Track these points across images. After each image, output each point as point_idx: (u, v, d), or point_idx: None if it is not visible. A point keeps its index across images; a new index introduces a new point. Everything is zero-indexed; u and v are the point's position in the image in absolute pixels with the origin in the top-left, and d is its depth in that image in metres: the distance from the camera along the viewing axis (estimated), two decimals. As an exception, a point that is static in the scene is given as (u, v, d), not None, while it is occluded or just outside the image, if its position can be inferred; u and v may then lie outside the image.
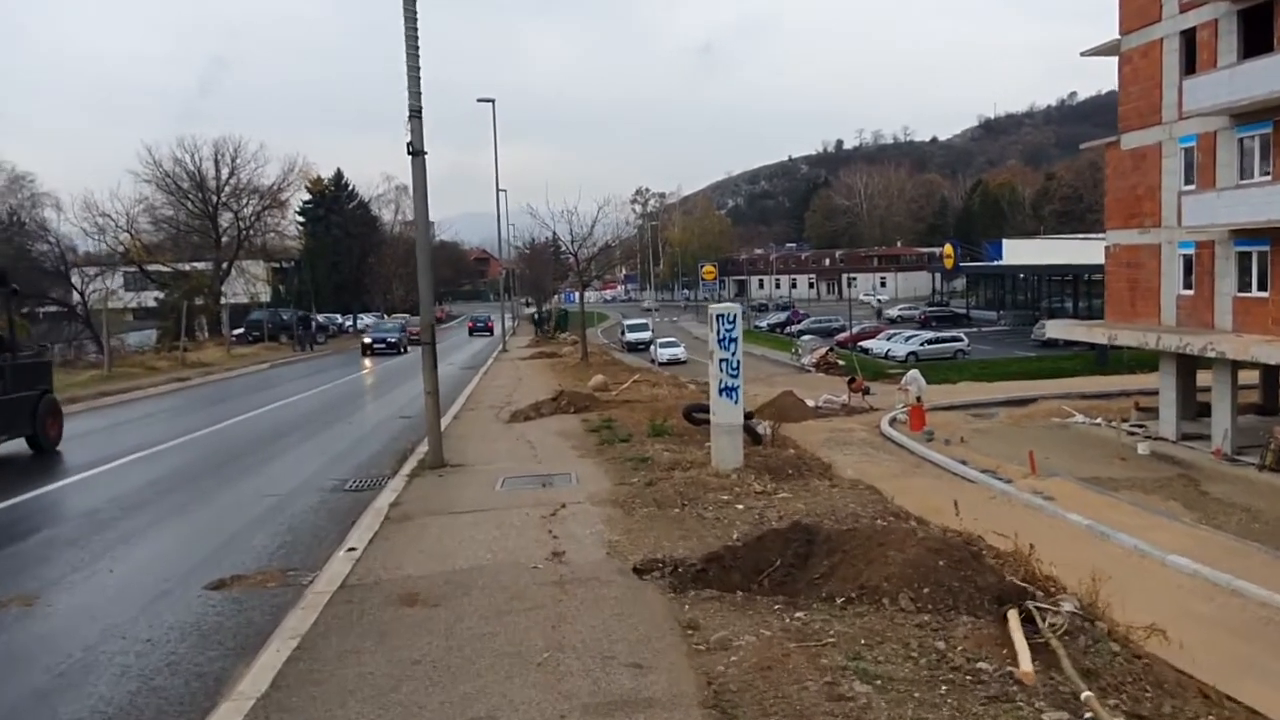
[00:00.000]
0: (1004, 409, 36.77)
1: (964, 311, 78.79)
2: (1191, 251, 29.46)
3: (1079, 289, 68.30)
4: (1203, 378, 30.05)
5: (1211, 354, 27.34)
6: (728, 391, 9.68)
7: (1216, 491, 24.63)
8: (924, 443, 29.50)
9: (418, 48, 10.43)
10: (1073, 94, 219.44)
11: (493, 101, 42.81)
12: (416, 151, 10.46)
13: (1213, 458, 27.73)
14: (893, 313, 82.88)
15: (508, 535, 7.66)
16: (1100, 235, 77.47)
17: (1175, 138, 29.88)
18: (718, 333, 9.60)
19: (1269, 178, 26.03)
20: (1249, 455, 26.46)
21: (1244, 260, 27.50)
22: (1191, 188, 28.83)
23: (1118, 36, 32.08)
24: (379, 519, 8.61)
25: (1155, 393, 37.84)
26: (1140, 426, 31.57)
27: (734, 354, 9.68)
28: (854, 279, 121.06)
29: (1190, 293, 29.74)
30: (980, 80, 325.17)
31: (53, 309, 50.20)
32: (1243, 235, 26.92)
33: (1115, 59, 32.58)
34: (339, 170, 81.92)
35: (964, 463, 26.09)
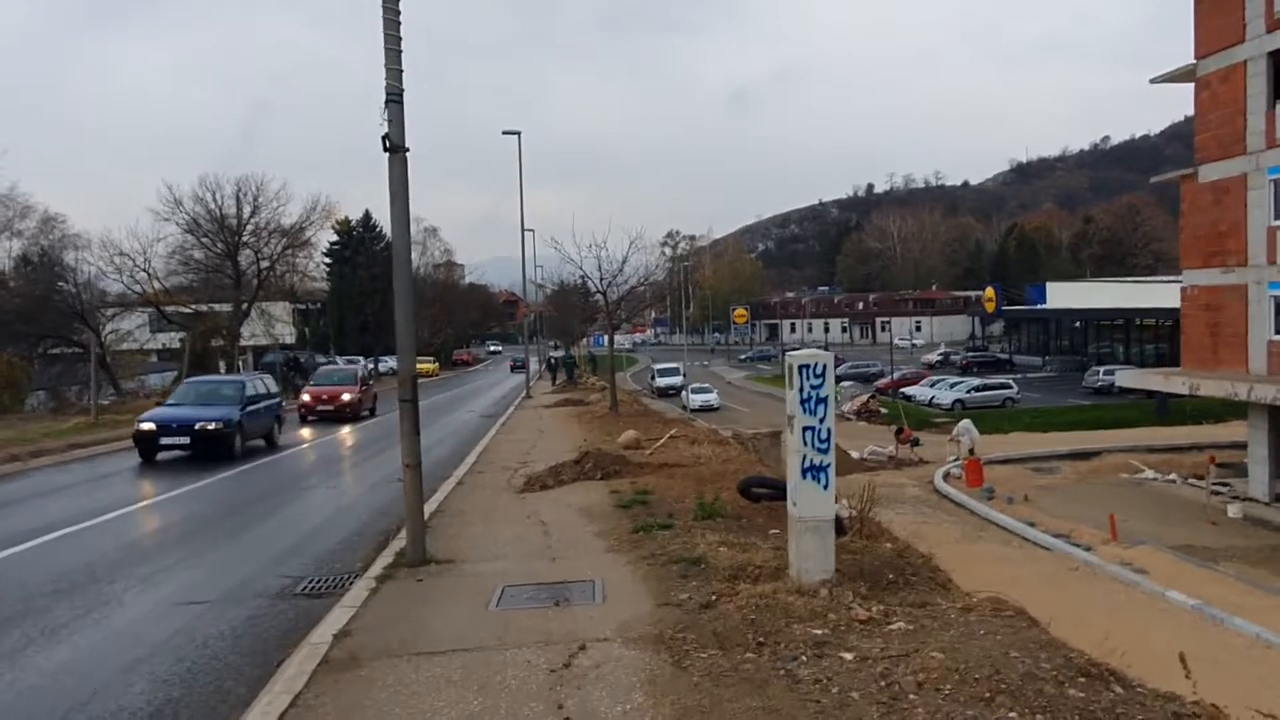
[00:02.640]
0: (1066, 463, 34.17)
1: (1006, 357, 76.32)
2: (1285, 293, 26.52)
3: (1130, 334, 65.45)
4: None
5: (1315, 404, 24.22)
6: (815, 472, 6.92)
7: (1342, 568, 21.68)
8: (984, 501, 27.03)
9: (398, 14, 7.89)
10: (1105, 138, 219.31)
11: (519, 134, 40.73)
12: (395, 147, 7.85)
13: (1322, 524, 24.75)
14: (932, 358, 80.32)
15: (493, 714, 4.85)
16: (1151, 279, 75.07)
17: (1263, 168, 27.03)
18: (801, 391, 6.85)
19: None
20: (1369, 525, 23.52)
21: (1347, 303, 24.59)
22: (1281, 223, 25.99)
23: (1192, 61, 29.44)
24: (313, 662, 5.85)
25: (1228, 446, 35.16)
26: (1224, 485, 28.47)
27: (824, 420, 6.93)
28: (888, 323, 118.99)
29: (1283, 338, 26.73)
30: (1011, 124, 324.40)
31: (68, 350, 48.66)
32: (1347, 276, 24.01)
33: (1183, 87, 29.97)
34: (367, 211, 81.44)
35: (1033, 525, 23.60)
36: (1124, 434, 40.58)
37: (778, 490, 10.87)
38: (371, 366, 74.33)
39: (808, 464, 6.97)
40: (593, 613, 6.70)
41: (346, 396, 29.82)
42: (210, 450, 18.90)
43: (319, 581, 8.80)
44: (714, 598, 6.76)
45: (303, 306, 73.53)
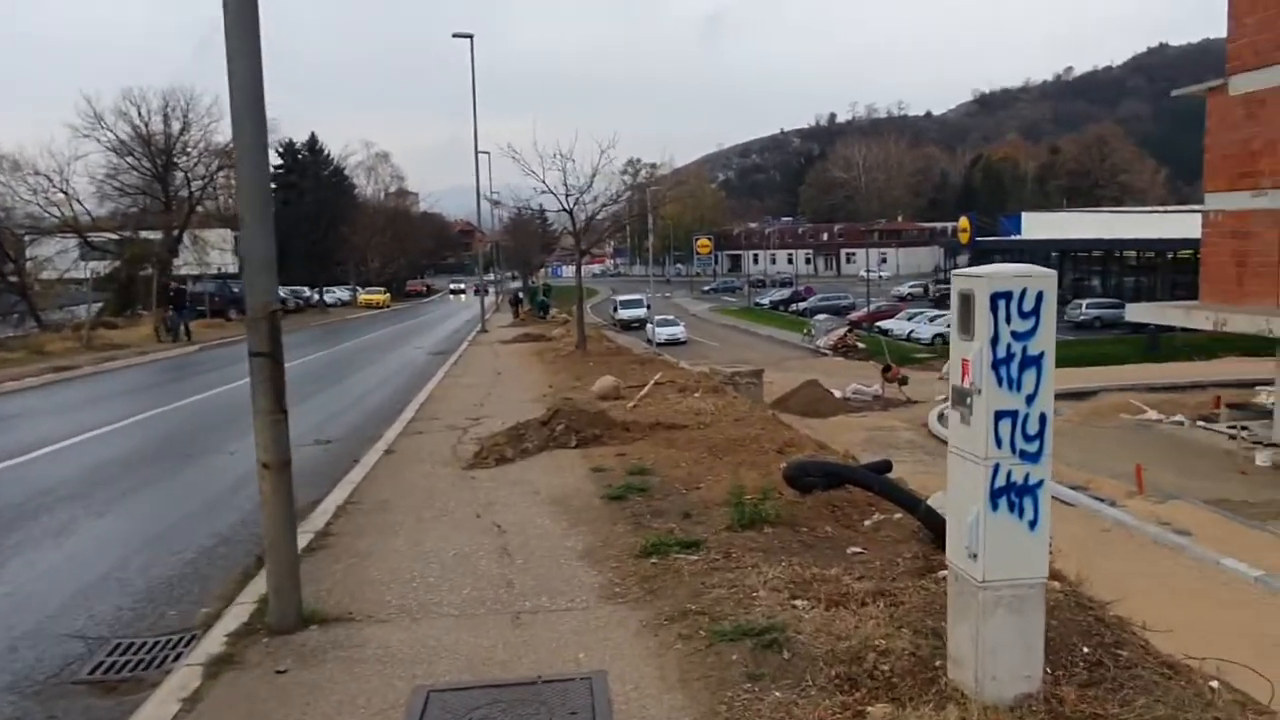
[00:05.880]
0: (1064, 403, 31.56)
1: (980, 290, 74.01)
2: (1328, 218, 23.63)
3: (1108, 266, 63.30)
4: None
5: (1369, 345, 21.44)
6: (1016, 496, 3.59)
7: (1395, 523, 19.28)
8: None
9: None
10: (1069, 69, 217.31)
11: (470, 37, 36.37)
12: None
13: (1367, 473, 22.33)
14: (903, 289, 77.95)
15: None
16: (1133, 209, 72.77)
17: (1311, 76, 23.93)
18: (993, 340, 3.52)
19: None
20: None
21: None
22: (1332, 138, 22.96)
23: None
24: None
25: (1232, 385, 33.06)
26: (1242, 428, 25.95)
27: (1036, 397, 3.60)
28: (853, 254, 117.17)
29: (1325, 270, 23.92)
30: (974, 55, 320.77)
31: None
32: None
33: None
34: (313, 134, 76.97)
35: None
36: (1116, 371, 38.51)
37: (838, 477, 7.55)
38: (316, 297, 70.43)
39: (1003, 480, 3.65)
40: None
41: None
42: None
43: (126, 651, 5.33)
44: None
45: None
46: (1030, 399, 3.70)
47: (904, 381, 33.10)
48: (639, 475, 8.54)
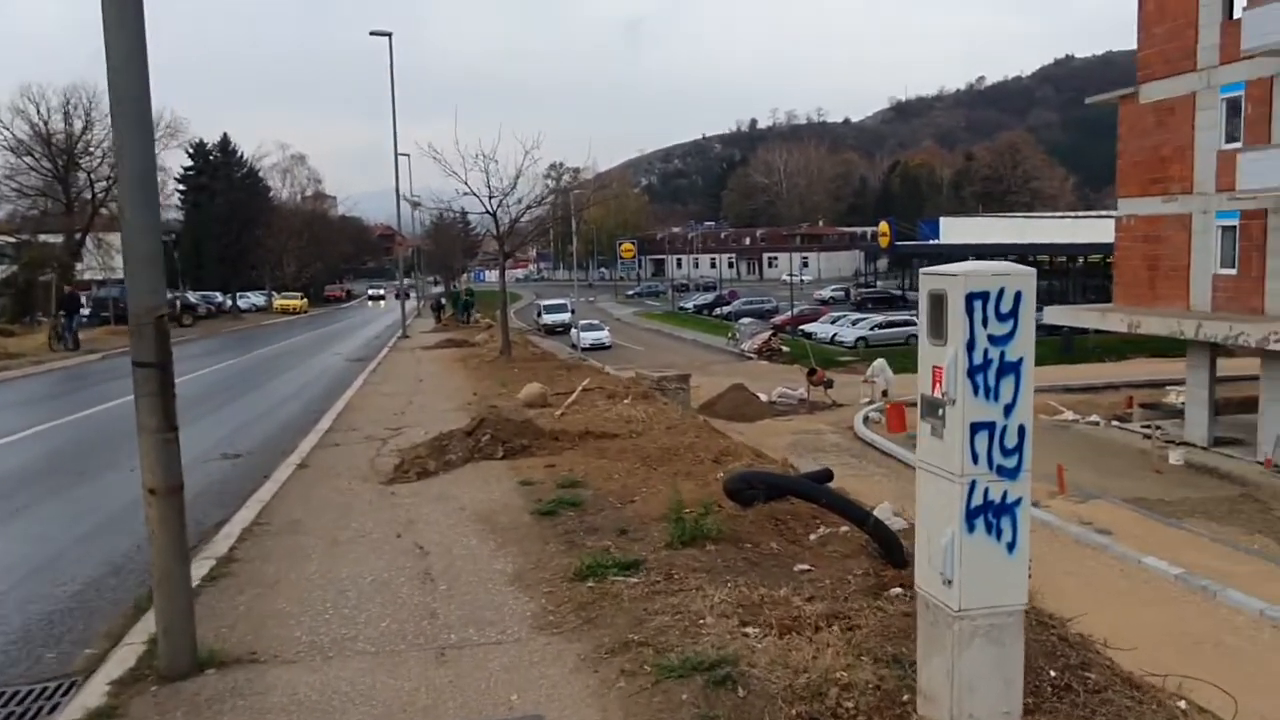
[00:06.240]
0: (986, 405, 32.22)
1: (900, 293, 75.25)
2: (1235, 223, 24.38)
3: (1024, 270, 65.01)
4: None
5: (1277, 345, 22.14)
6: (994, 517, 3.25)
7: (1298, 518, 19.98)
8: (911, 449, 24.53)
9: None
10: (981, 78, 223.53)
11: (389, 35, 35.40)
12: None
13: (1262, 469, 23.15)
14: (826, 294, 78.93)
15: None
16: (1046, 214, 74.81)
17: (1215, 86, 24.66)
18: (968, 345, 3.17)
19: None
20: (1302, 466, 22.04)
21: (1312, 232, 22.56)
22: (1237, 145, 23.67)
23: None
24: None
25: (1143, 385, 34.08)
26: (1155, 428, 26.65)
27: (1015, 407, 3.27)
28: (775, 258, 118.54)
29: (1232, 272, 24.67)
30: (890, 64, 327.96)
31: None
32: (1310, 202, 21.91)
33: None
34: (225, 135, 74.78)
35: None
36: (1034, 373, 39.42)
37: (782, 490, 7.21)
38: (229, 302, 68.15)
39: (979, 499, 3.32)
40: None
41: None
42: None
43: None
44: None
45: (155, 238, 67.16)
46: (1009, 409, 3.37)
47: (829, 385, 33.33)
48: (570, 488, 8.09)
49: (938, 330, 3.41)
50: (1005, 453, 3.39)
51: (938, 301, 3.42)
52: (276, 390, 20.46)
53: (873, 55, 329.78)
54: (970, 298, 3.28)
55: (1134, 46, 28.16)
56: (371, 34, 35.45)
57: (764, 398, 31.87)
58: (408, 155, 54.56)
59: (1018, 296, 3.33)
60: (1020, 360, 3.38)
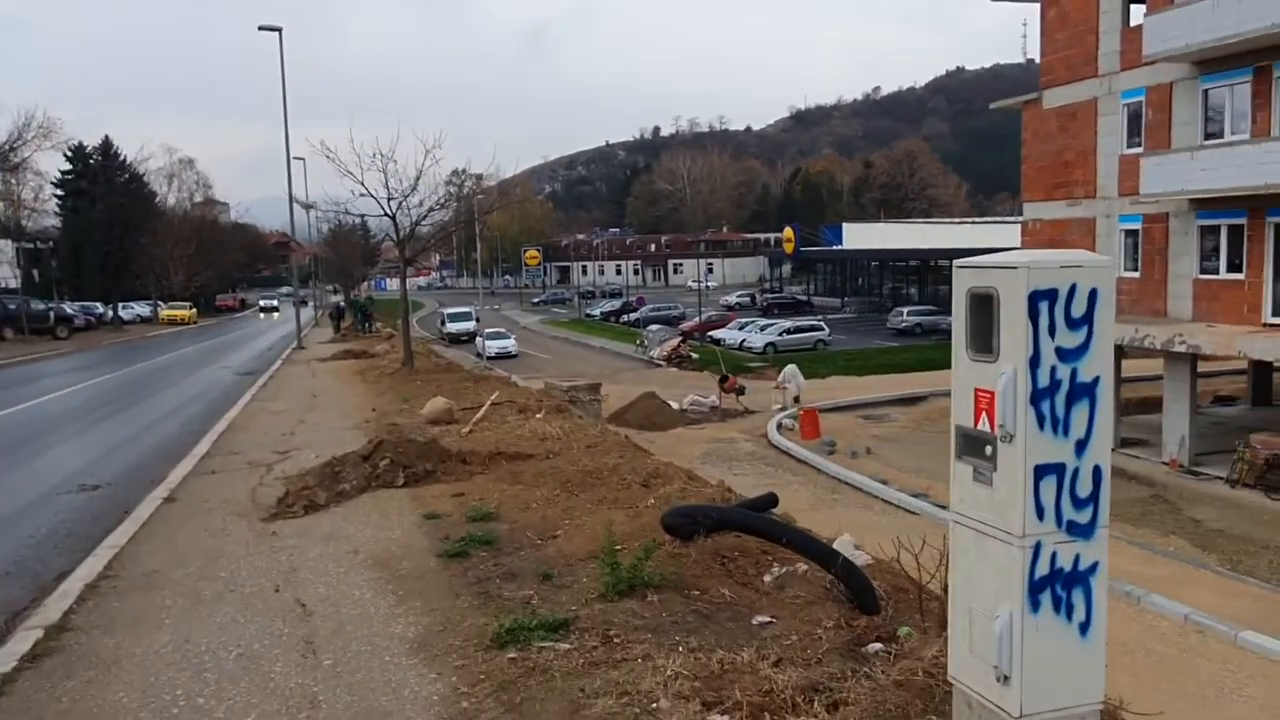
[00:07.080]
0: (895, 409, 32.19)
1: (805, 299, 75.86)
2: (1138, 226, 24.74)
3: (924, 275, 66.05)
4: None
5: (1180, 348, 22.36)
6: (1062, 589, 2.40)
7: (1207, 518, 20.29)
8: (826, 456, 24.55)
9: None
10: (877, 88, 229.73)
11: (279, 30, 33.53)
12: None
13: (1168, 469, 23.46)
14: (731, 299, 79.03)
15: None
16: (945, 220, 76.38)
17: (1116, 92, 25.01)
18: (1031, 361, 2.31)
19: (1248, 135, 21.36)
20: (1207, 466, 22.46)
21: (1209, 236, 22.88)
22: (1138, 150, 24.00)
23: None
24: None
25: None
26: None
27: (1089, 443, 2.43)
28: (680, 265, 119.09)
29: (1135, 275, 25.00)
30: (790, 73, 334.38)
31: None
32: (1208, 206, 22.24)
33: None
34: (106, 138, 71.02)
35: (885, 483, 20.97)
36: (942, 376, 39.38)
37: (735, 526, 6.29)
38: (110, 313, 64.45)
39: (1045, 567, 2.45)
40: None
41: None
42: None
43: None
44: None
45: (30, 245, 63.59)
46: (1081, 446, 2.52)
47: (741, 391, 32.99)
48: (482, 522, 7.03)
49: (984, 342, 2.54)
50: (1077, 504, 2.54)
51: (984, 304, 2.54)
52: (153, 408, 18.75)
53: (773, 65, 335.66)
54: (1034, 297, 2.42)
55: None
56: (260, 29, 33.56)
57: (675, 405, 31.26)
58: (303, 159, 52.33)
59: (1092, 296, 2.48)
60: (1096, 380, 2.52)
